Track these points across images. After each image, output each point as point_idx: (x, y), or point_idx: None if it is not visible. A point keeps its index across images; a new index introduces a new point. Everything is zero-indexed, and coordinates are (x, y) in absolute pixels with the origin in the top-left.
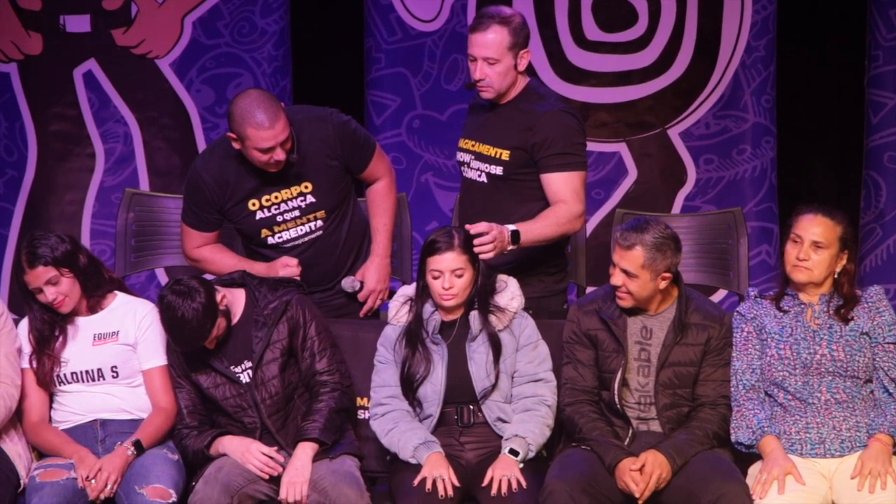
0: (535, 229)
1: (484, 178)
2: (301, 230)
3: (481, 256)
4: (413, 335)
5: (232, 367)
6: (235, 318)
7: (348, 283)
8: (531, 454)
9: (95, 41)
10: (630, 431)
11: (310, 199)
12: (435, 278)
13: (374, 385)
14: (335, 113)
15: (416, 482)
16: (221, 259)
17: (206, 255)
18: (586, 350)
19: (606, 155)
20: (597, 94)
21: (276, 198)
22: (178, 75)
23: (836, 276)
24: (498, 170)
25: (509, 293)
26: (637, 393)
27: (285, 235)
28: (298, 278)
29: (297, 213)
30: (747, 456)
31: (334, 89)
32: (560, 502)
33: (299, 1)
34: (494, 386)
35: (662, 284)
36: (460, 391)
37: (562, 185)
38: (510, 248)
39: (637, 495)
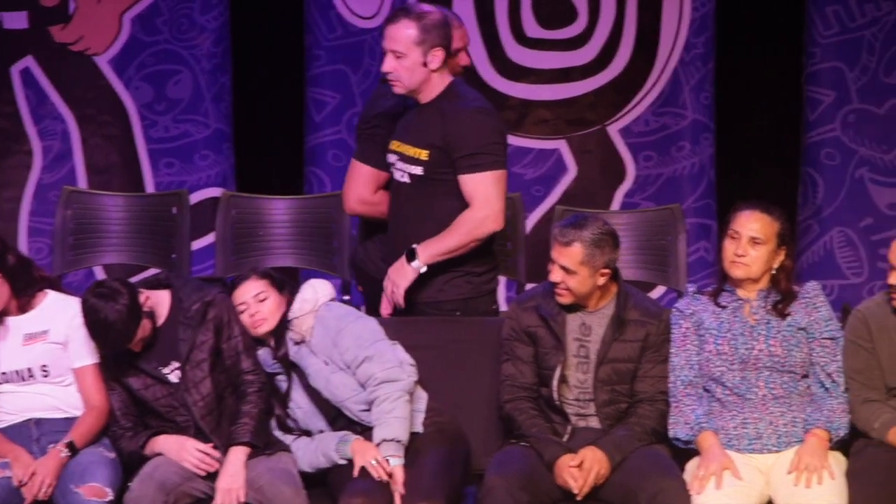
0: (438, 243)
1: (407, 179)
2: (403, 153)
3: (398, 304)
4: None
5: (160, 368)
6: (161, 320)
7: None
8: (405, 442)
9: (33, 38)
10: (569, 428)
11: (417, 169)
12: (242, 311)
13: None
14: None
15: (355, 473)
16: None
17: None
18: (525, 347)
19: (546, 152)
20: (537, 91)
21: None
22: (116, 72)
23: (773, 271)
24: (418, 170)
25: (298, 299)
26: (576, 389)
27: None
28: None
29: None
30: (685, 452)
31: (274, 86)
32: (499, 499)
33: None
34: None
35: (601, 281)
36: (329, 405)
37: (471, 187)
38: (422, 269)
39: (576, 491)
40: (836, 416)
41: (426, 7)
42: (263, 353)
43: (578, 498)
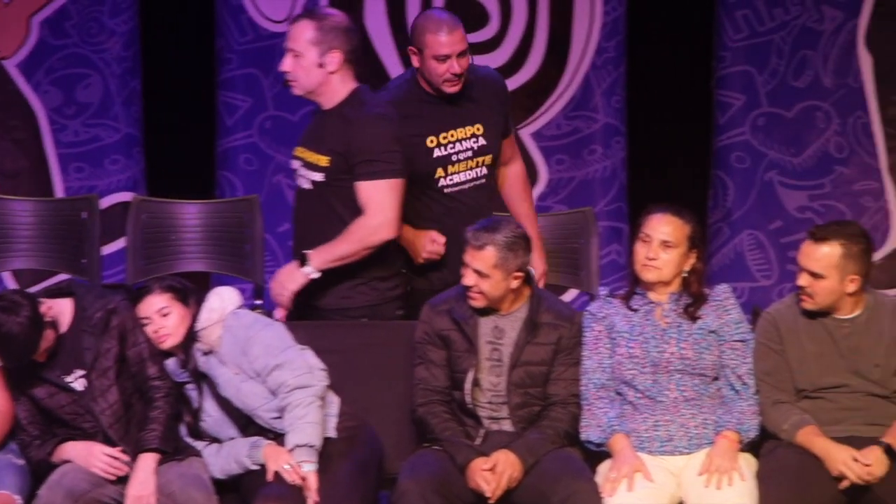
0: (330, 249)
1: (309, 185)
2: (470, 174)
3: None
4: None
5: (64, 377)
6: (63, 328)
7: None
8: (318, 447)
9: None
10: (482, 431)
11: (482, 141)
12: (145, 326)
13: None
14: None
15: (269, 478)
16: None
17: None
18: (438, 350)
19: None
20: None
21: (453, 136)
22: (25, 76)
23: (684, 274)
24: (319, 176)
25: (205, 309)
26: (489, 392)
27: (456, 178)
28: (438, 258)
29: (469, 153)
30: (597, 454)
31: (185, 90)
32: (412, 503)
33: (149, 1)
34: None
35: (514, 284)
36: (240, 413)
37: (366, 194)
38: (313, 275)
39: (488, 495)
40: (747, 418)
41: (330, 10)
42: (172, 364)
43: (491, 501)
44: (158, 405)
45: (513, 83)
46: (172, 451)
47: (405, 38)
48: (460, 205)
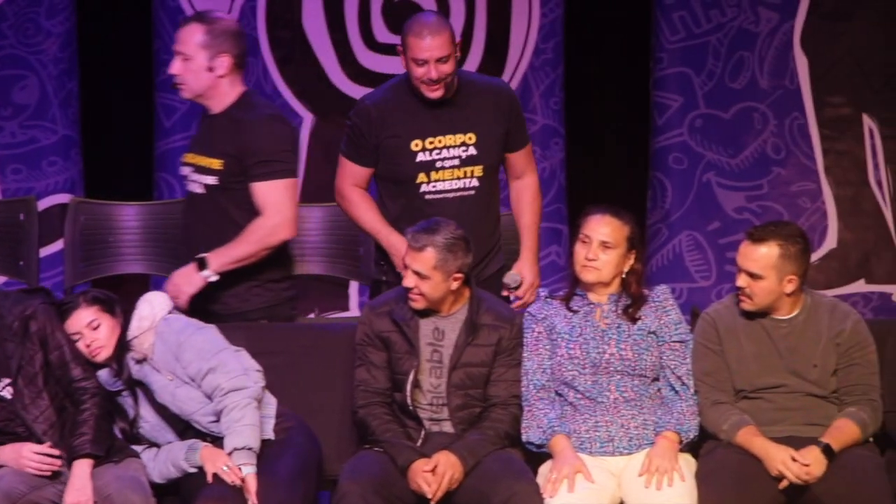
0: (228, 251)
1: (202, 189)
2: (456, 184)
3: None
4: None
5: None
6: None
7: (511, 279)
8: (257, 449)
9: None
10: (422, 432)
11: (471, 150)
12: (77, 341)
13: None
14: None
15: (209, 479)
16: (367, 211)
17: (356, 197)
18: (379, 352)
19: None
20: None
21: (440, 142)
22: None
23: (623, 275)
24: (212, 179)
25: (136, 317)
26: (429, 394)
27: (440, 185)
28: None
29: (456, 161)
30: (538, 455)
31: (123, 91)
32: None
33: (86, 2)
34: (187, 403)
35: (454, 285)
36: (177, 418)
37: (262, 195)
38: (212, 278)
39: (429, 496)
40: (686, 419)
41: (220, 14)
42: (105, 374)
43: (432, 503)
44: (87, 407)
45: None
46: (106, 452)
47: (343, 38)
48: (441, 213)
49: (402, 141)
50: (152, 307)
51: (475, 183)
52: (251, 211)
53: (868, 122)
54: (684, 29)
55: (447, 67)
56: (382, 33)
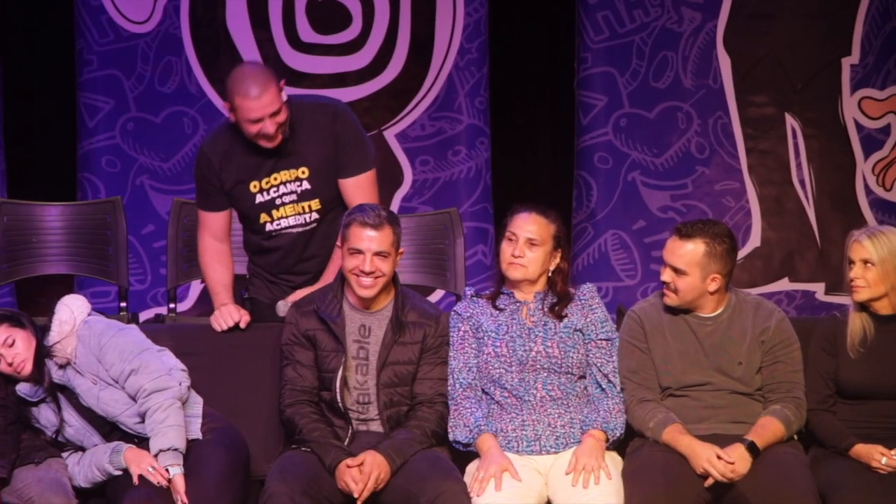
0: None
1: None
2: (298, 219)
3: None
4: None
5: None
6: None
7: (282, 309)
8: (182, 449)
9: None
10: (350, 431)
11: (305, 185)
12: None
13: None
14: (347, 109)
15: (135, 481)
16: (213, 268)
17: (208, 249)
18: (306, 351)
19: None
20: None
21: (276, 179)
22: None
23: (549, 273)
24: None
25: (56, 322)
26: (356, 392)
27: (283, 223)
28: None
29: (294, 196)
30: (465, 454)
31: (45, 91)
32: None
33: (6, 1)
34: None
35: (398, 262)
36: (103, 420)
37: None
38: None
39: (356, 496)
40: (613, 417)
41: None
42: (25, 387)
43: (359, 502)
44: None
45: (376, 84)
46: (11, 465)
47: (268, 37)
48: (287, 246)
49: (242, 185)
50: (71, 311)
51: (315, 216)
52: None
53: (791, 121)
54: (608, 29)
55: (281, 117)
56: (307, 33)
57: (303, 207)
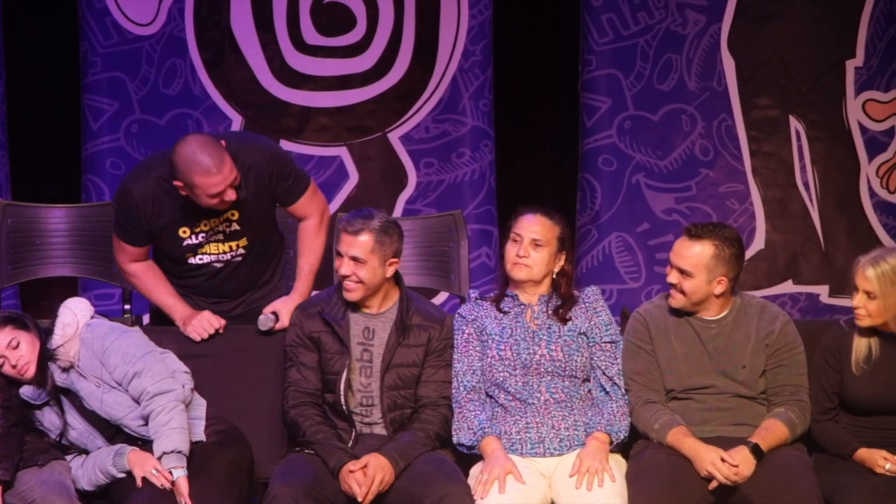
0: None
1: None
2: (223, 257)
3: None
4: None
5: None
6: None
7: (262, 322)
8: (186, 452)
9: None
10: (353, 434)
11: (234, 226)
12: (2, 365)
13: None
14: (269, 143)
15: (139, 483)
16: (154, 285)
17: (139, 272)
18: (310, 353)
19: (327, 159)
20: (317, 98)
21: (206, 226)
22: None
23: (554, 276)
24: None
25: (59, 325)
26: (359, 394)
27: (206, 259)
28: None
29: (221, 237)
30: (469, 457)
31: (49, 94)
32: None
33: (11, 3)
34: (115, 408)
35: (390, 271)
36: (106, 423)
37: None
38: None
39: (360, 498)
40: (617, 420)
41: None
42: (28, 390)
43: None
44: None
45: (381, 86)
46: (14, 466)
47: (272, 39)
48: (210, 273)
49: (170, 230)
50: (74, 314)
51: (242, 251)
52: None
53: (795, 123)
54: (612, 31)
55: (238, 180)
56: (311, 35)
57: (229, 246)
